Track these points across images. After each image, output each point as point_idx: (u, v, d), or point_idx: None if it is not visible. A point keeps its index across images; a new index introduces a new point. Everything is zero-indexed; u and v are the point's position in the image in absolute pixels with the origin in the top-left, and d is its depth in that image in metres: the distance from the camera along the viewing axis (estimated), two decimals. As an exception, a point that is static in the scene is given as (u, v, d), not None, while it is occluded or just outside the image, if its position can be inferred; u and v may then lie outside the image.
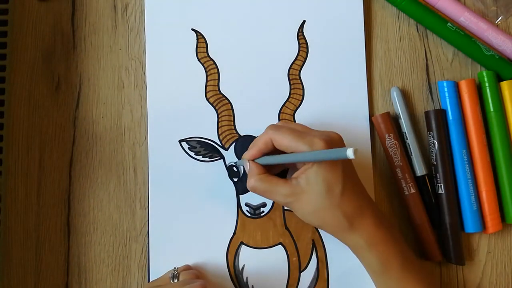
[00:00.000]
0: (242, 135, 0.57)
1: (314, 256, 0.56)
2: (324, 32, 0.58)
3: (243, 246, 0.56)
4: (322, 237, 0.56)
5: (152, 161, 0.57)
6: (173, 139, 0.57)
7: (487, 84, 0.56)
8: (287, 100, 0.58)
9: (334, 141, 0.50)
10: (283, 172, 0.55)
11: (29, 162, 0.57)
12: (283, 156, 0.50)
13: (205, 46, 0.58)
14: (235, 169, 0.57)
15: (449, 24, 0.57)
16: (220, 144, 0.57)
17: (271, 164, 0.52)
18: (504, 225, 0.57)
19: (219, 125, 0.57)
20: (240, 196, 0.57)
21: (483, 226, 0.56)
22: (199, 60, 0.58)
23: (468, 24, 0.58)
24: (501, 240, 0.57)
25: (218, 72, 0.58)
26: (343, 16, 0.59)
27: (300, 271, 0.56)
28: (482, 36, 0.58)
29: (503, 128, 0.56)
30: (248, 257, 0.56)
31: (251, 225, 0.56)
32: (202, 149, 0.57)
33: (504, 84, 0.57)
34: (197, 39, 0.58)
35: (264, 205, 0.56)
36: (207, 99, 0.58)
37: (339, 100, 0.58)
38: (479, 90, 0.57)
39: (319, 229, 0.56)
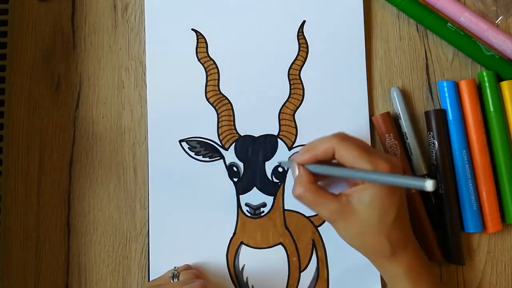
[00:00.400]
0: (242, 135, 0.57)
1: (314, 256, 0.56)
2: (324, 32, 0.58)
3: (243, 246, 0.56)
4: (322, 237, 0.56)
5: (152, 161, 0.57)
6: (173, 139, 0.57)
7: (487, 84, 0.56)
8: (287, 100, 0.58)
9: (396, 167, 0.48)
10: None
11: (29, 162, 0.57)
12: (344, 169, 0.48)
13: (205, 46, 0.58)
14: (235, 169, 0.57)
15: (449, 24, 0.57)
16: (220, 144, 0.57)
17: (322, 173, 0.50)
18: (504, 225, 0.56)
19: (219, 125, 0.57)
20: (240, 196, 0.57)
21: (483, 226, 0.56)
22: (199, 60, 0.58)
23: (468, 24, 0.58)
24: (501, 240, 0.57)
25: (218, 72, 0.58)
26: (343, 16, 0.59)
27: (300, 271, 0.56)
28: (482, 36, 0.58)
29: (503, 128, 0.56)
30: (248, 257, 0.56)
31: (251, 225, 0.56)
32: (202, 149, 0.57)
33: (504, 84, 0.57)
34: (197, 39, 0.58)
35: (264, 205, 0.56)
36: (207, 99, 0.58)
37: (339, 100, 0.58)
38: (479, 90, 0.57)
39: (319, 230, 0.56)
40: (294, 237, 0.56)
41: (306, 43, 0.58)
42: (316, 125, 0.57)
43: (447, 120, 0.56)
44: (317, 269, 0.56)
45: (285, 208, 0.57)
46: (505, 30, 0.59)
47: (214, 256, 0.56)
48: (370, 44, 0.59)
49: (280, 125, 0.57)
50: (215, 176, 0.57)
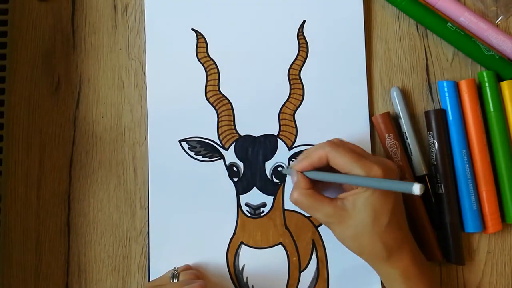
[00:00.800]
0: (242, 135, 0.57)
1: (314, 256, 0.56)
2: (324, 32, 0.58)
3: (243, 246, 0.56)
4: (322, 237, 0.56)
5: (152, 161, 0.57)
6: (173, 139, 0.57)
7: (487, 84, 0.56)
8: (287, 100, 0.58)
9: (391, 171, 0.50)
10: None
11: (29, 162, 0.57)
12: (338, 175, 0.50)
13: (205, 46, 0.58)
14: (235, 169, 0.57)
15: (449, 24, 0.57)
16: (220, 144, 0.57)
17: (319, 179, 0.51)
18: (504, 225, 0.56)
19: (219, 125, 0.57)
20: (240, 196, 0.57)
21: (483, 226, 0.56)
22: (199, 60, 0.58)
23: (468, 24, 0.58)
24: (501, 240, 0.57)
25: (218, 72, 0.58)
26: (343, 16, 0.59)
27: (300, 271, 0.56)
28: (482, 36, 0.58)
29: (503, 128, 0.56)
30: (248, 257, 0.56)
31: (251, 225, 0.56)
32: (202, 149, 0.57)
33: (504, 84, 0.57)
34: (197, 39, 0.58)
35: (264, 205, 0.56)
36: (207, 99, 0.58)
37: (339, 100, 0.58)
38: (479, 90, 0.57)
39: (319, 230, 0.56)
40: (294, 237, 0.56)
41: (306, 43, 0.58)
42: (316, 125, 0.57)
43: (447, 120, 0.56)
44: (317, 269, 0.56)
45: (285, 208, 0.57)
46: (505, 30, 0.59)
47: (214, 256, 0.56)
48: (370, 44, 0.59)
49: (280, 125, 0.57)
50: (215, 176, 0.57)
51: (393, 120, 0.57)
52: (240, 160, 0.57)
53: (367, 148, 0.57)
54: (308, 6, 0.59)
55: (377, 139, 0.58)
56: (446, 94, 0.56)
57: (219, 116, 0.58)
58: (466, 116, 0.56)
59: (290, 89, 0.58)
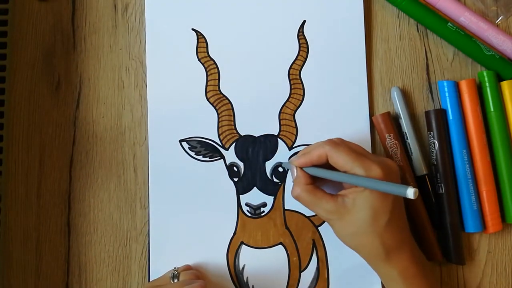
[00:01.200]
0: (242, 135, 0.57)
1: (314, 256, 0.56)
2: (324, 32, 0.59)
3: (243, 246, 0.56)
4: (323, 237, 0.56)
5: (152, 161, 0.57)
6: (173, 139, 0.57)
7: (487, 84, 0.57)
8: (287, 100, 0.58)
9: (392, 171, 0.50)
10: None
11: (29, 162, 0.57)
12: (336, 173, 0.50)
13: (205, 46, 0.58)
14: (235, 169, 0.57)
15: (449, 24, 0.57)
16: (220, 144, 0.57)
17: (318, 176, 0.51)
18: (504, 225, 0.57)
19: (219, 125, 0.57)
20: (240, 196, 0.57)
21: (483, 226, 0.56)
22: (199, 60, 0.58)
23: (468, 24, 0.58)
24: (501, 240, 0.57)
25: (218, 72, 0.58)
26: (343, 16, 0.59)
27: (301, 271, 0.56)
28: (482, 36, 0.58)
29: (503, 128, 0.56)
30: (249, 257, 0.56)
31: (251, 225, 0.56)
32: (202, 149, 0.57)
33: (504, 84, 0.57)
34: (197, 39, 0.58)
35: (264, 205, 0.56)
36: (207, 99, 0.58)
37: (339, 100, 0.58)
38: (479, 90, 0.57)
39: (319, 229, 0.56)
40: (294, 237, 0.56)
41: (306, 43, 0.58)
42: (316, 125, 0.57)
43: (447, 120, 0.56)
44: (317, 269, 0.56)
45: (286, 208, 0.57)
46: (505, 30, 0.59)
47: (214, 256, 0.56)
48: (370, 44, 0.59)
49: (280, 125, 0.57)
50: (215, 176, 0.57)
51: (393, 120, 0.57)
52: (240, 160, 0.57)
53: (367, 148, 0.57)
54: (308, 6, 0.59)
55: (377, 139, 0.58)
56: (446, 94, 0.56)
57: (219, 116, 0.58)
58: (466, 116, 0.56)
59: (290, 89, 0.58)
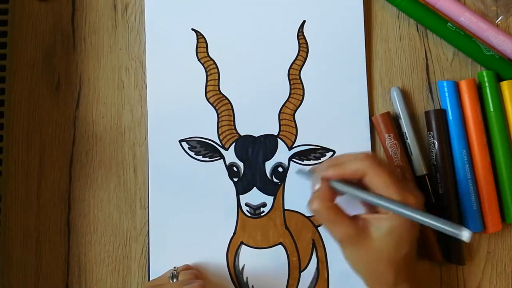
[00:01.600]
0: (242, 135, 0.57)
1: (314, 256, 0.56)
2: (324, 32, 0.58)
3: (243, 246, 0.56)
4: (322, 237, 0.56)
5: (152, 161, 0.57)
6: (173, 139, 0.57)
7: (487, 84, 0.56)
8: (287, 100, 0.58)
9: (421, 203, 0.47)
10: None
11: (29, 162, 0.57)
12: (372, 195, 0.46)
13: (205, 46, 0.58)
14: (235, 169, 0.57)
15: (449, 24, 0.57)
16: (220, 144, 0.57)
17: (345, 193, 0.48)
18: (504, 225, 0.56)
19: (219, 125, 0.57)
20: (240, 196, 0.57)
21: (483, 226, 0.56)
22: (199, 60, 0.58)
23: (468, 24, 0.58)
24: (501, 240, 0.57)
25: (218, 72, 0.58)
26: (343, 16, 0.59)
27: (300, 271, 0.56)
28: (482, 36, 0.58)
29: (503, 128, 0.56)
30: (248, 257, 0.56)
31: (251, 225, 0.56)
32: (202, 149, 0.57)
33: (504, 84, 0.57)
34: (197, 39, 0.58)
35: (264, 205, 0.56)
36: (207, 99, 0.58)
37: (339, 100, 0.58)
38: (479, 90, 0.57)
39: (319, 230, 0.56)
40: (294, 237, 0.56)
41: (306, 43, 0.58)
42: (316, 125, 0.57)
43: (447, 120, 0.56)
44: (317, 269, 0.56)
45: (285, 208, 0.57)
46: (505, 30, 0.59)
47: (214, 256, 0.56)
48: (370, 44, 0.59)
49: (280, 125, 0.57)
50: (215, 176, 0.57)
51: (393, 120, 0.57)
52: (240, 160, 0.57)
53: (367, 148, 0.57)
54: (308, 6, 0.59)
55: (377, 139, 0.58)
56: (446, 94, 0.56)
57: (219, 116, 0.58)
58: (466, 116, 0.56)
59: (290, 89, 0.58)
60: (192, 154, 0.57)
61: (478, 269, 0.57)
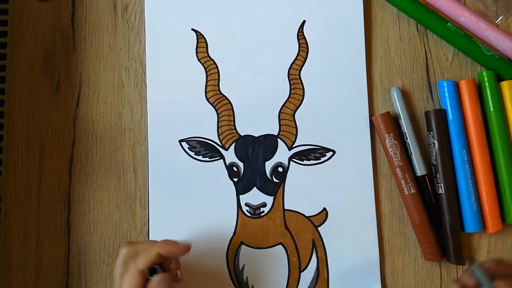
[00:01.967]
0: (242, 135, 0.57)
1: (314, 256, 0.56)
2: (324, 32, 0.59)
3: (243, 246, 0.56)
4: (322, 237, 0.56)
5: (152, 161, 0.57)
6: (173, 139, 0.57)
7: (487, 84, 0.56)
8: (287, 100, 0.58)
9: None
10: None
11: (29, 162, 0.57)
12: None
13: (205, 46, 0.58)
14: (235, 169, 0.57)
15: (449, 24, 0.57)
16: (220, 144, 0.57)
17: None
18: (504, 225, 0.56)
19: (219, 125, 0.57)
20: (240, 196, 0.57)
21: (483, 226, 0.56)
22: (199, 60, 0.58)
23: (468, 24, 0.58)
24: (501, 240, 0.57)
25: (218, 72, 0.58)
26: (343, 16, 0.59)
27: (300, 271, 0.56)
28: (482, 36, 0.58)
29: (503, 128, 0.56)
30: (248, 257, 0.56)
31: (251, 225, 0.56)
32: (202, 149, 0.57)
33: (504, 84, 0.57)
34: (197, 39, 0.58)
35: (264, 205, 0.56)
36: (207, 99, 0.58)
37: (339, 100, 0.58)
38: (479, 90, 0.57)
39: (319, 230, 0.56)
40: (294, 237, 0.56)
41: (306, 43, 0.58)
42: (316, 125, 0.57)
43: (447, 120, 0.56)
44: (317, 269, 0.56)
45: (285, 208, 0.57)
46: (505, 30, 0.59)
47: (214, 256, 0.56)
48: (370, 44, 0.59)
49: (280, 125, 0.57)
50: (215, 176, 0.57)
51: (393, 120, 0.57)
52: (240, 160, 0.57)
53: (367, 148, 0.57)
54: (308, 6, 0.59)
55: (377, 139, 0.58)
56: (446, 94, 0.56)
57: (219, 116, 0.58)
58: (466, 116, 0.56)
59: (290, 89, 0.58)
60: (192, 154, 0.57)
61: (478, 269, 0.57)
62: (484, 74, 0.57)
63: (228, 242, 0.56)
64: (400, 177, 0.55)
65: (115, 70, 0.59)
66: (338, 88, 0.58)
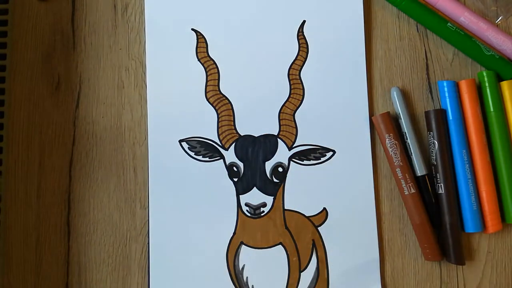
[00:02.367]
0: (242, 135, 0.57)
1: (314, 256, 0.56)
2: (324, 32, 0.59)
3: (243, 246, 0.56)
4: (322, 237, 0.56)
5: (152, 161, 0.57)
6: (173, 139, 0.57)
7: (487, 84, 0.57)
8: (287, 100, 0.58)
9: None
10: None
11: (29, 162, 0.57)
12: None
13: (205, 46, 0.58)
14: (235, 169, 0.57)
15: (449, 24, 0.57)
16: (220, 144, 0.57)
17: None
18: (504, 225, 0.57)
19: (219, 125, 0.57)
20: (240, 196, 0.57)
21: (483, 226, 0.56)
22: (199, 60, 0.58)
23: (468, 24, 0.58)
24: (501, 240, 0.57)
25: (218, 72, 0.58)
26: (343, 16, 0.59)
27: (300, 271, 0.56)
28: (482, 36, 0.58)
29: (503, 128, 0.56)
30: (248, 257, 0.56)
31: (251, 225, 0.56)
32: (202, 149, 0.57)
33: (504, 84, 0.57)
34: (197, 39, 0.58)
35: (264, 205, 0.56)
36: (207, 99, 0.58)
37: (339, 100, 0.58)
38: (479, 90, 0.57)
39: (319, 230, 0.56)
40: (294, 237, 0.56)
41: (306, 43, 0.58)
42: (316, 125, 0.57)
43: (447, 120, 0.56)
44: (317, 269, 0.56)
45: (285, 208, 0.57)
46: (505, 30, 0.59)
47: (214, 256, 0.56)
48: (370, 44, 0.59)
49: (280, 125, 0.57)
50: (215, 176, 0.57)
51: (393, 120, 0.57)
52: (240, 160, 0.57)
53: (367, 148, 0.57)
54: (308, 6, 0.59)
55: (377, 139, 0.58)
56: (446, 94, 0.56)
57: (219, 116, 0.58)
58: (466, 116, 0.56)
59: (290, 89, 0.58)
60: (192, 154, 0.57)
61: (478, 269, 0.57)
62: (484, 74, 0.57)
63: (228, 242, 0.56)
64: (400, 177, 0.55)
65: (115, 70, 0.59)
66: (338, 88, 0.58)
